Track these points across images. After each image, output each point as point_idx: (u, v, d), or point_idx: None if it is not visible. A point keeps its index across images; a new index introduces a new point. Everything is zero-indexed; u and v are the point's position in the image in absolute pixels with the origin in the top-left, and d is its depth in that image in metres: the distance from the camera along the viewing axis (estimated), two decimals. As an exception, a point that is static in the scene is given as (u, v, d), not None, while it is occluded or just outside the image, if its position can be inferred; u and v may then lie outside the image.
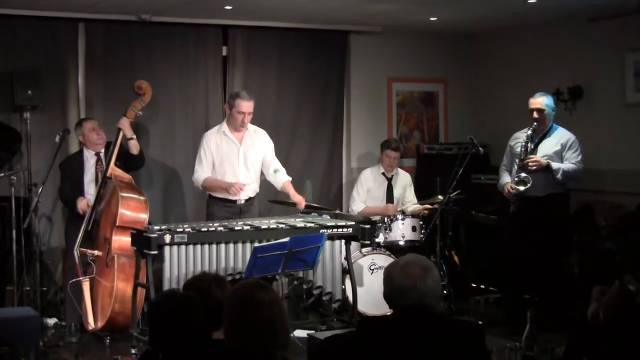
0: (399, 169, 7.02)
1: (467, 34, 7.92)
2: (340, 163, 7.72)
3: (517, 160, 5.93)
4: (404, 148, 7.81)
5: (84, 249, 5.71)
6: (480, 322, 5.11)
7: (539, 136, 5.94)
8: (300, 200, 6.02)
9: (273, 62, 7.29)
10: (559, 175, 5.81)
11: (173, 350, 2.87)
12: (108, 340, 5.57)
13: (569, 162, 5.89)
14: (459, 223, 6.87)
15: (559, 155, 5.91)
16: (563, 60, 7.12)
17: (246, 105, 5.86)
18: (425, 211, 6.61)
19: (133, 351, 5.11)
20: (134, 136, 6.00)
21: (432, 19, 7.00)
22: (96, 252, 5.70)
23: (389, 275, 2.85)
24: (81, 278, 5.67)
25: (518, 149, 5.95)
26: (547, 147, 5.92)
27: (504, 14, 6.80)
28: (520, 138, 6.01)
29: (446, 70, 8.03)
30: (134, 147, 6.00)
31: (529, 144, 5.88)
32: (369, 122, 7.73)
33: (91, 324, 5.66)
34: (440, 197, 6.38)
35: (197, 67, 7.04)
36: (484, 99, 7.94)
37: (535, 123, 5.86)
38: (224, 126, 6.02)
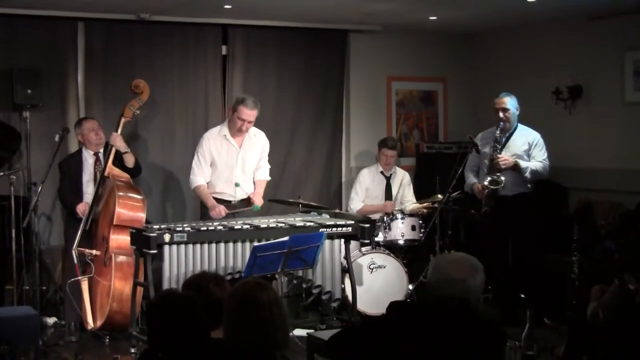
0: (398, 168, 7.00)
1: (466, 33, 7.91)
2: (340, 162, 7.71)
3: (485, 161, 6.00)
4: (404, 147, 7.83)
5: (82, 249, 5.70)
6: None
7: (505, 135, 6.01)
8: (256, 200, 5.89)
9: (272, 61, 7.28)
10: (527, 174, 5.92)
11: (172, 350, 2.85)
12: (107, 340, 5.57)
13: (536, 161, 5.98)
14: (459, 222, 6.85)
15: (527, 154, 6.01)
16: (562, 59, 7.11)
17: (248, 114, 5.80)
18: (425, 210, 6.59)
19: (132, 350, 5.13)
20: (128, 150, 5.95)
21: (431, 18, 6.99)
22: (94, 252, 5.69)
23: (439, 264, 2.96)
24: (80, 277, 5.66)
25: (486, 149, 6.03)
26: (515, 146, 6.02)
27: (504, 13, 6.78)
28: (486, 138, 6.11)
29: (446, 69, 8.02)
30: (129, 160, 5.95)
31: (497, 144, 5.95)
32: (369, 121, 7.72)
33: (90, 323, 5.65)
34: (439, 196, 6.38)
35: (196, 67, 7.03)
36: (483, 97, 7.90)
37: (501, 122, 5.95)
38: (225, 129, 5.95)
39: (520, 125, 6.09)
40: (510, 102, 5.99)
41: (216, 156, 5.91)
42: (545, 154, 6.03)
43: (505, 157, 5.92)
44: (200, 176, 5.88)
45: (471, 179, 6.19)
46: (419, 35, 7.81)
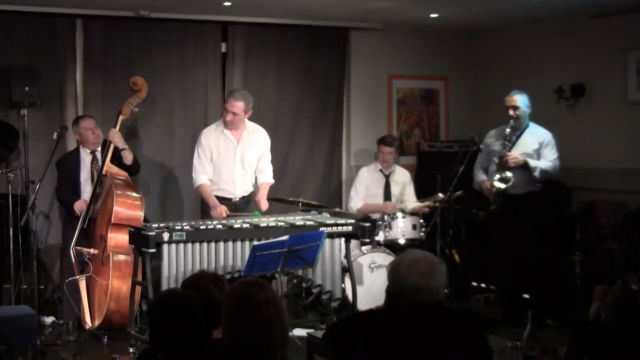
0: (398, 167, 7.01)
1: (468, 31, 7.89)
2: (340, 161, 7.70)
3: (495, 158, 5.97)
4: (405, 146, 7.82)
5: (80, 248, 5.68)
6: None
7: (516, 134, 5.98)
8: (262, 204, 5.91)
9: (273, 59, 7.27)
10: (536, 173, 5.89)
11: (173, 349, 2.86)
12: (106, 339, 5.56)
13: (546, 160, 5.95)
14: (460, 221, 6.84)
15: (537, 153, 5.98)
16: (565, 58, 7.09)
17: (230, 103, 5.82)
18: (426, 209, 6.59)
19: (131, 350, 5.12)
20: (126, 146, 5.93)
21: (433, 15, 6.97)
22: (92, 251, 5.68)
23: (398, 273, 2.87)
24: (78, 277, 5.65)
25: (496, 147, 6.01)
26: (526, 144, 5.99)
27: (506, 11, 6.77)
28: (497, 136, 6.08)
29: (447, 67, 8.00)
30: (127, 157, 5.94)
31: (507, 142, 5.92)
32: (369, 120, 7.70)
33: (88, 322, 5.64)
34: (440, 195, 6.36)
35: (196, 64, 7.01)
36: (485, 96, 7.90)
37: (512, 120, 5.93)
38: (221, 123, 5.98)
39: (531, 124, 6.04)
40: (520, 100, 5.95)
41: (214, 151, 5.92)
42: (556, 154, 5.99)
43: (515, 155, 5.88)
44: (202, 174, 5.89)
45: (480, 176, 6.16)
46: (421, 33, 7.79)
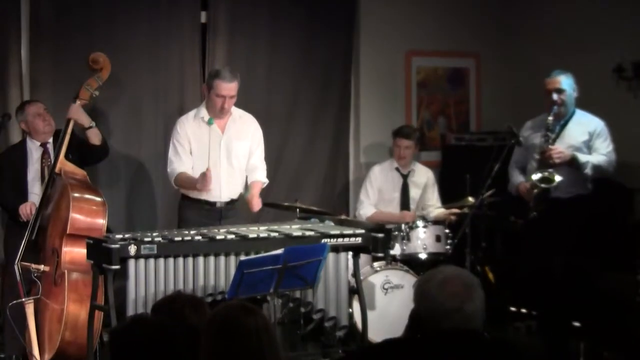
0: (419, 164, 7.05)
1: (505, -4, 7.91)
2: (347, 157, 7.75)
3: (535, 154, 5.99)
4: (426, 138, 7.83)
5: (27, 264, 5.66)
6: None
7: (559, 123, 5.99)
8: (254, 203, 5.95)
9: (264, 31, 7.30)
10: (587, 170, 5.88)
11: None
12: (58, 377, 5.55)
13: (599, 154, 5.95)
14: (495, 231, 6.84)
15: (586, 146, 5.99)
16: (626, 30, 7.08)
17: (227, 88, 5.82)
18: (453, 217, 6.60)
19: (88, 390, 5.11)
20: (93, 124, 5.96)
21: (461, -23, 6.98)
22: (42, 267, 5.66)
23: (426, 293, 2.89)
24: (24, 299, 5.63)
25: (536, 140, 6.02)
26: (573, 136, 5.98)
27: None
28: (536, 127, 6.09)
29: (479, 42, 8.03)
30: (95, 136, 5.97)
31: (549, 133, 5.92)
32: (383, 107, 7.74)
33: (36, 356, 5.63)
34: (471, 199, 6.39)
35: (169, 38, 7.03)
36: (525, 77, 7.87)
37: (555, 107, 5.93)
38: (203, 111, 5.98)
39: (578, 111, 6.04)
40: (565, 82, 5.95)
41: (194, 144, 5.93)
42: (611, 146, 5.98)
43: (560, 148, 5.87)
44: (178, 164, 5.89)
45: (517, 177, 6.16)
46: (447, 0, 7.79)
